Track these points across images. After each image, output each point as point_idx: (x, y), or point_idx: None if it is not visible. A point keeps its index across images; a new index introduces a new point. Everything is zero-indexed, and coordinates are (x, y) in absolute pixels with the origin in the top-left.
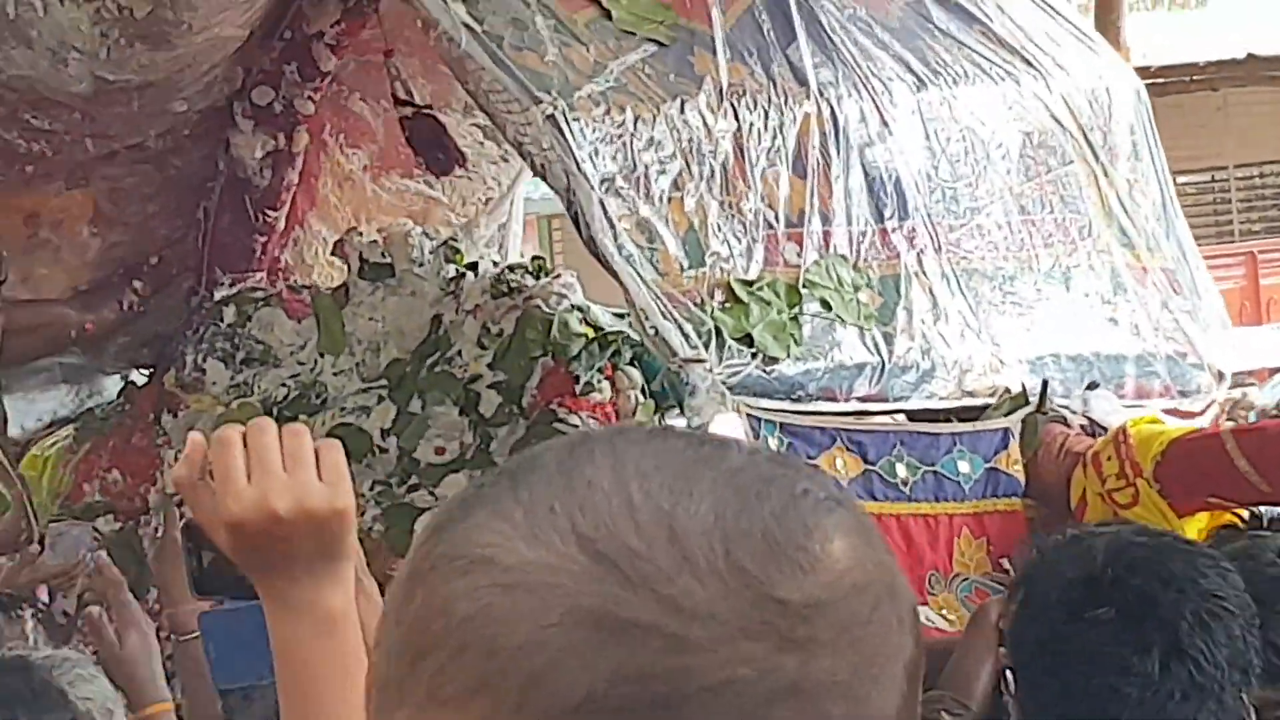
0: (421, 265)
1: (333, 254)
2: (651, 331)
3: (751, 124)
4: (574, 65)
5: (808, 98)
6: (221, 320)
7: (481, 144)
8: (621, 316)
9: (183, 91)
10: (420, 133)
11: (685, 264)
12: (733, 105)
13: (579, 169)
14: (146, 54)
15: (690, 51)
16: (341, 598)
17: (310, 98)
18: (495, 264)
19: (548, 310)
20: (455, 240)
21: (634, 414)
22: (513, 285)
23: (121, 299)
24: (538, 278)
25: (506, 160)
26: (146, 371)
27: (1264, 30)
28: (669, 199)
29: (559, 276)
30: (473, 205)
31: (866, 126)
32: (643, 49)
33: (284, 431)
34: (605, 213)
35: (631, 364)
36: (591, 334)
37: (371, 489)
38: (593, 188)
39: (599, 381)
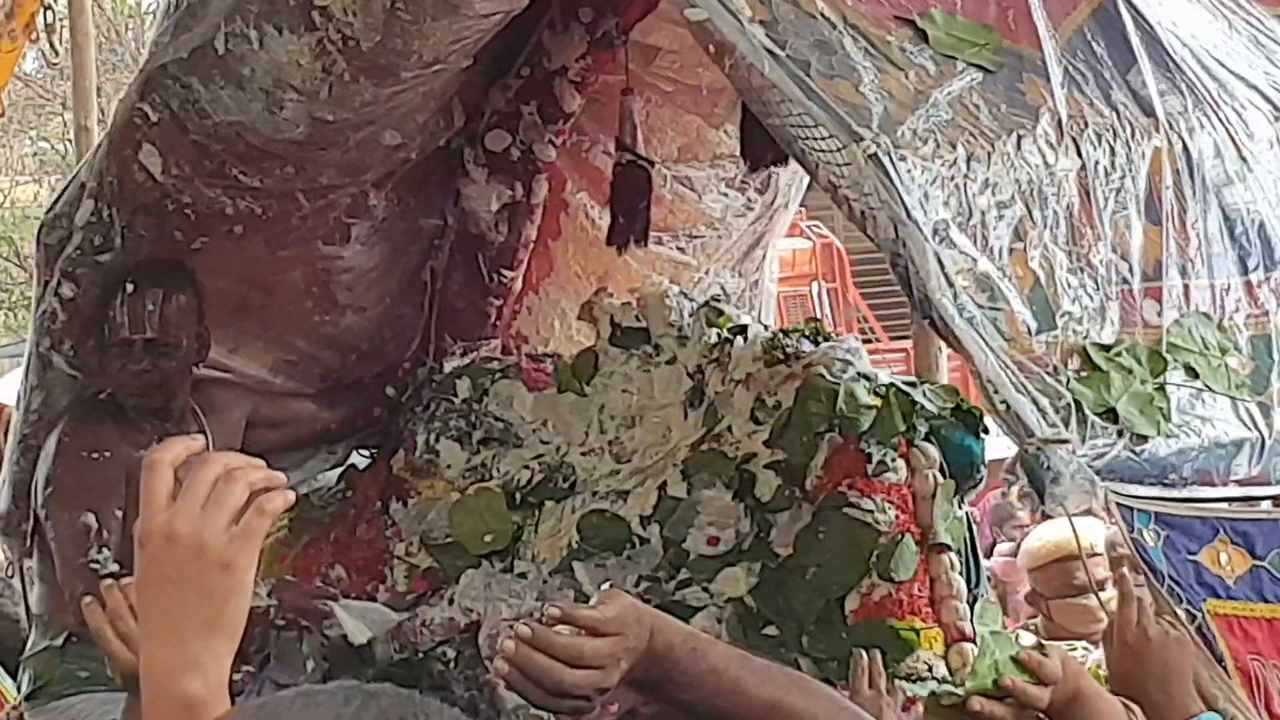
0: (681, 330)
1: (580, 318)
2: (1003, 407)
3: (1097, 161)
4: (892, 95)
5: (1156, 130)
6: (455, 395)
7: (727, 197)
8: (912, 385)
9: (400, 125)
10: (624, 189)
11: (1033, 326)
12: (1074, 140)
13: (909, 217)
14: (370, 89)
15: (1019, 79)
16: (202, 686)
17: (551, 142)
18: (766, 328)
19: (831, 379)
20: (718, 301)
21: (933, 495)
22: (789, 351)
23: (372, 407)
24: (815, 342)
25: (750, 209)
26: (368, 453)
27: None
28: (1010, 250)
29: (841, 340)
30: (719, 263)
31: (1223, 162)
32: (967, 76)
33: (223, 475)
34: (942, 268)
35: (927, 439)
36: (881, 406)
37: (636, 585)
38: (926, 239)
39: (893, 460)
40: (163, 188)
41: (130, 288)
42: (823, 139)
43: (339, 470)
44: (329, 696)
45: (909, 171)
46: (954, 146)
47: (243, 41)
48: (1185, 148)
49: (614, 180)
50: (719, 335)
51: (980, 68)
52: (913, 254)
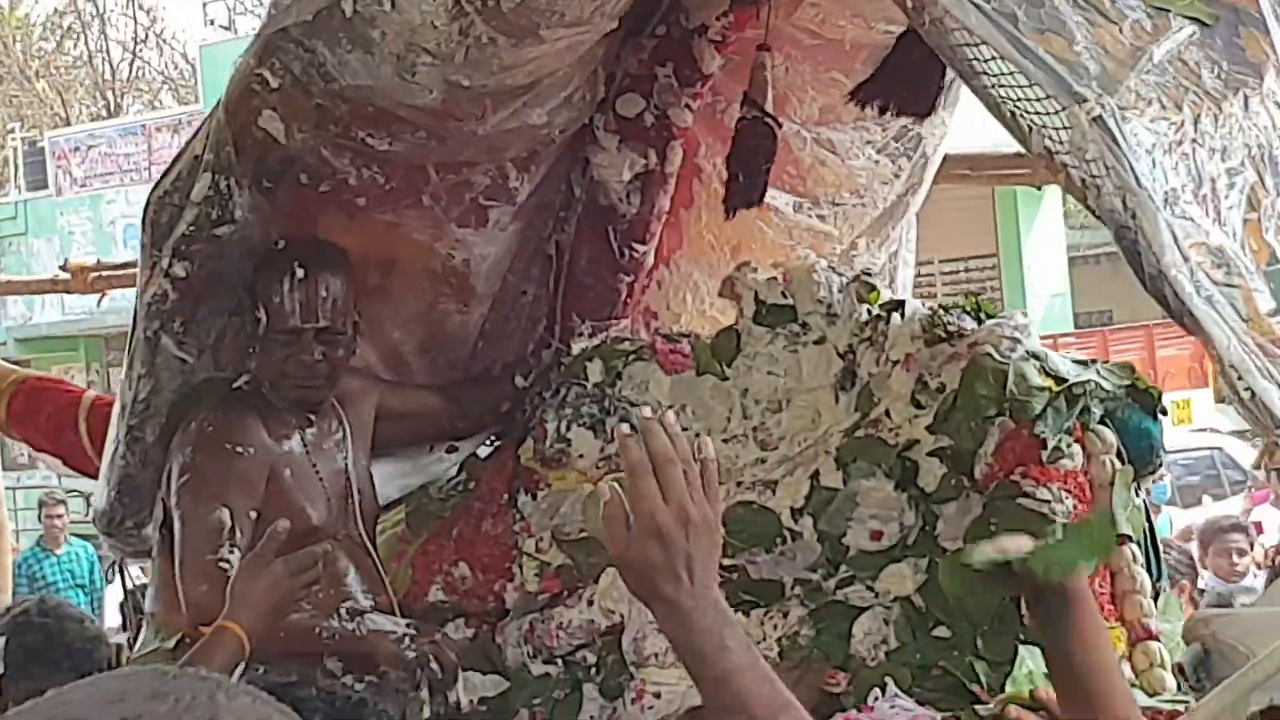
0: (830, 306)
1: (720, 294)
2: (1247, 394)
3: None
4: (1108, 52)
5: None
6: (586, 379)
7: (876, 163)
8: (1084, 364)
9: (544, 102)
10: (746, 146)
11: (1271, 306)
12: None
13: (1139, 184)
14: (510, 51)
15: (1236, 33)
16: None
17: (688, 106)
18: (924, 303)
19: (1000, 359)
20: (869, 274)
21: (1111, 483)
22: (951, 329)
23: (501, 399)
24: (979, 319)
25: (898, 176)
26: (489, 442)
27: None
28: (1244, 222)
29: (1008, 316)
30: (861, 234)
31: None
32: (1184, 30)
33: None
34: (1176, 241)
35: (1102, 422)
36: (1054, 387)
37: (793, 586)
38: (1158, 209)
39: (1068, 445)
40: (284, 150)
41: (300, 272)
42: (1037, 100)
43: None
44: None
45: (1135, 135)
46: (1179, 108)
47: (372, 3)
48: None
49: (735, 137)
50: (870, 312)
51: (1196, 20)
52: (1144, 225)
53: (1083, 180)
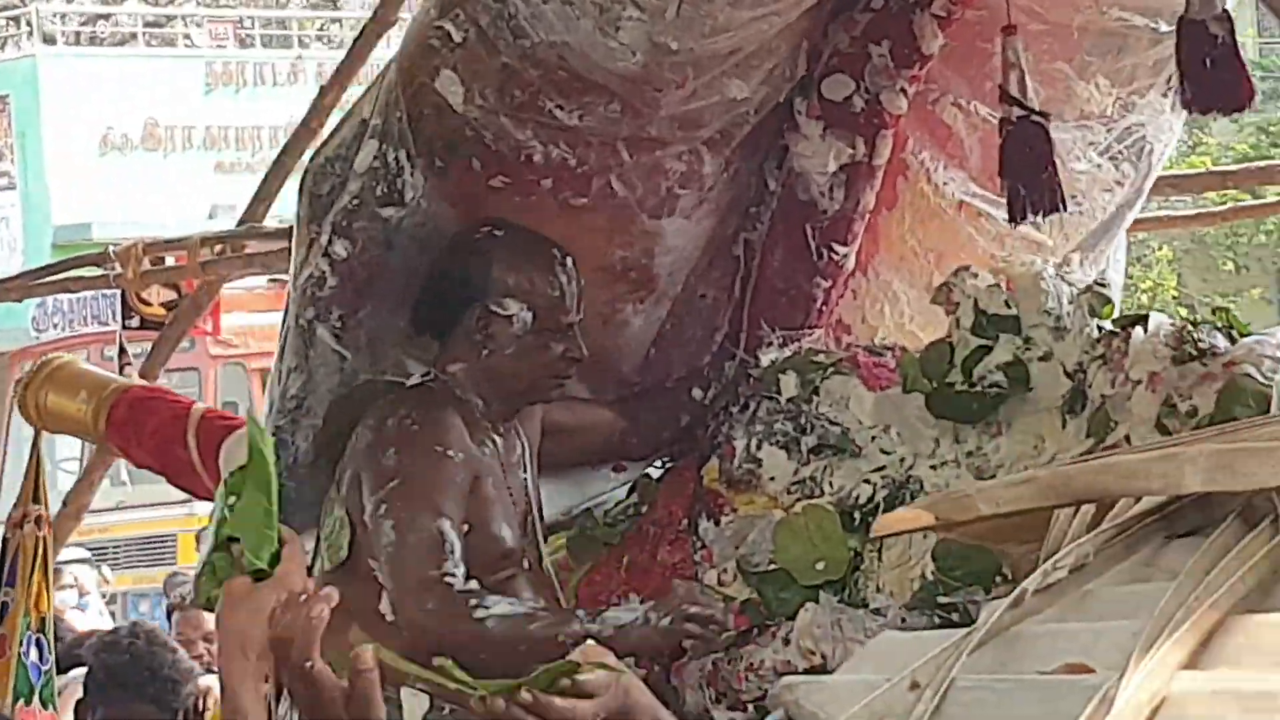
0: (1059, 319)
1: (933, 301)
2: None
3: None
4: None
5: None
6: (779, 393)
7: (1099, 167)
8: None
9: (746, 74)
10: (1017, 149)
11: None
12: None
13: None
14: (725, 10)
15: None
16: None
17: (903, 91)
18: (1171, 319)
19: (1263, 380)
20: (1103, 285)
21: None
22: (1203, 346)
23: (679, 414)
24: (1231, 337)
25: (1120, 184)
26: (662, 463)
27: None
28: None
29: (1270, 333)
30: (1076, 248)
31: None
32: None
33: None
34: None
35: None
36: None
37: None
38: None
39: None
40: (462, 120)
41: (570, 262)
42: None
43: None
44: None
45: None
46: None
47: None
48: None
49: (1005, 141)
50: (1101, 328)
51: None
52: None
53: None
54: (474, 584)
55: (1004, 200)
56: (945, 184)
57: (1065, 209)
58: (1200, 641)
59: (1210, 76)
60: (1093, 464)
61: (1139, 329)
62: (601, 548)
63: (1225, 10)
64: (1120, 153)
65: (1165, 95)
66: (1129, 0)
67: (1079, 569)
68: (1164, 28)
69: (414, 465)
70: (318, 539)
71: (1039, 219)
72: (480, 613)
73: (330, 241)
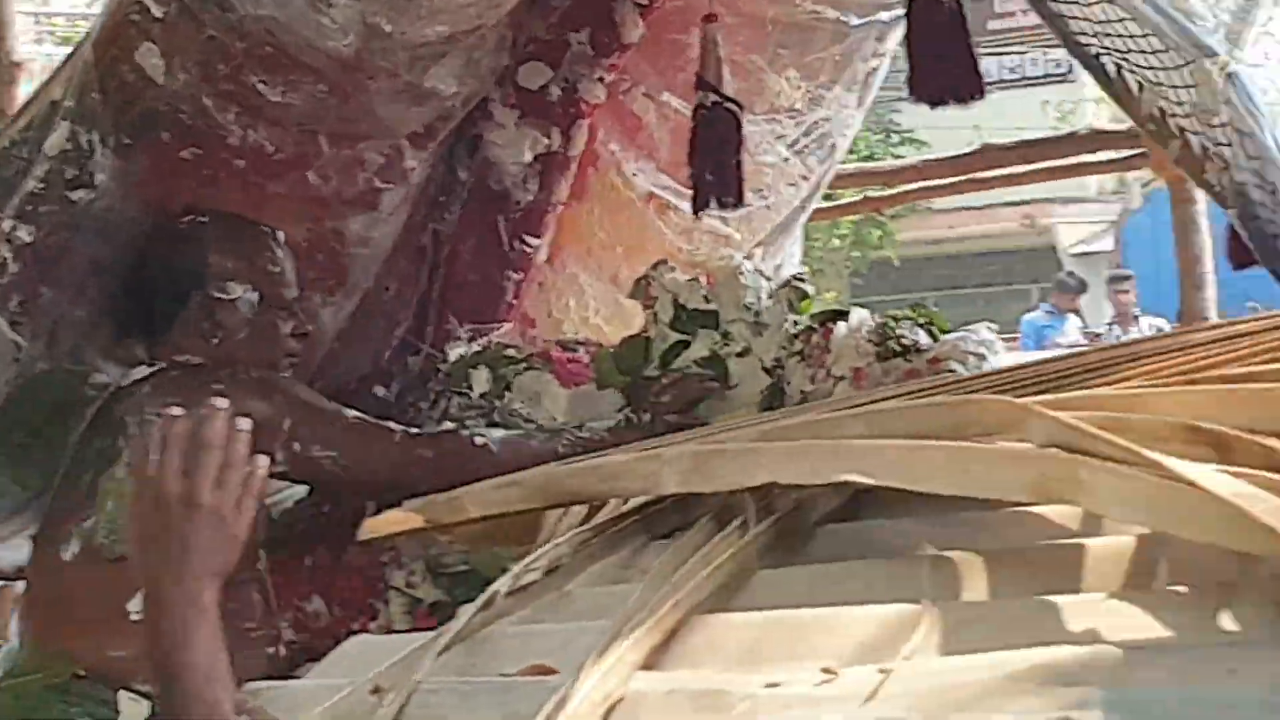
0: (759, 314)
1: (632, 295)
2: None
3: None
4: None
5: None
6: (470, 389)
7: (786, 160)
8: None
9: (456, 67)
10: (708, 136)
11: None
12: None
13: (1277, 147)
14: None
15: None
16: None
17: (601, 79)
18: (872, 314)
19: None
20: (801, 279)
21: None
22: (906, 343)
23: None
24: (930, 333)
25: (806, 179)
26: None
27: None
28: None
29: (973, 330)
30: (760, 241)
31: None
32: None
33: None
34: None
35: None
36: None
37: None
38: None
39: None
40: (160, 93)
41: (279, 235)
42: (1152, 53)
43: None
44: None
45: (1263, 96)
46: None
47: None
48: None
49: (696, 128)
50: (800, 323)
51: None
52: None
53: (1204, 149)
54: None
55: (689, 193)
56: (635, 175)
57: (744, 202)
58: (662, 641)
59: (940, 64)
60: (582, 465)
61: (841, 324)
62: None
63: None
64: (806, 147)
65: (850, 90)
66: None
67: (556, 570)
68: (854, 21)
69: None
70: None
71: (722, 209)
72: (480, 439)
73: (14, 227)
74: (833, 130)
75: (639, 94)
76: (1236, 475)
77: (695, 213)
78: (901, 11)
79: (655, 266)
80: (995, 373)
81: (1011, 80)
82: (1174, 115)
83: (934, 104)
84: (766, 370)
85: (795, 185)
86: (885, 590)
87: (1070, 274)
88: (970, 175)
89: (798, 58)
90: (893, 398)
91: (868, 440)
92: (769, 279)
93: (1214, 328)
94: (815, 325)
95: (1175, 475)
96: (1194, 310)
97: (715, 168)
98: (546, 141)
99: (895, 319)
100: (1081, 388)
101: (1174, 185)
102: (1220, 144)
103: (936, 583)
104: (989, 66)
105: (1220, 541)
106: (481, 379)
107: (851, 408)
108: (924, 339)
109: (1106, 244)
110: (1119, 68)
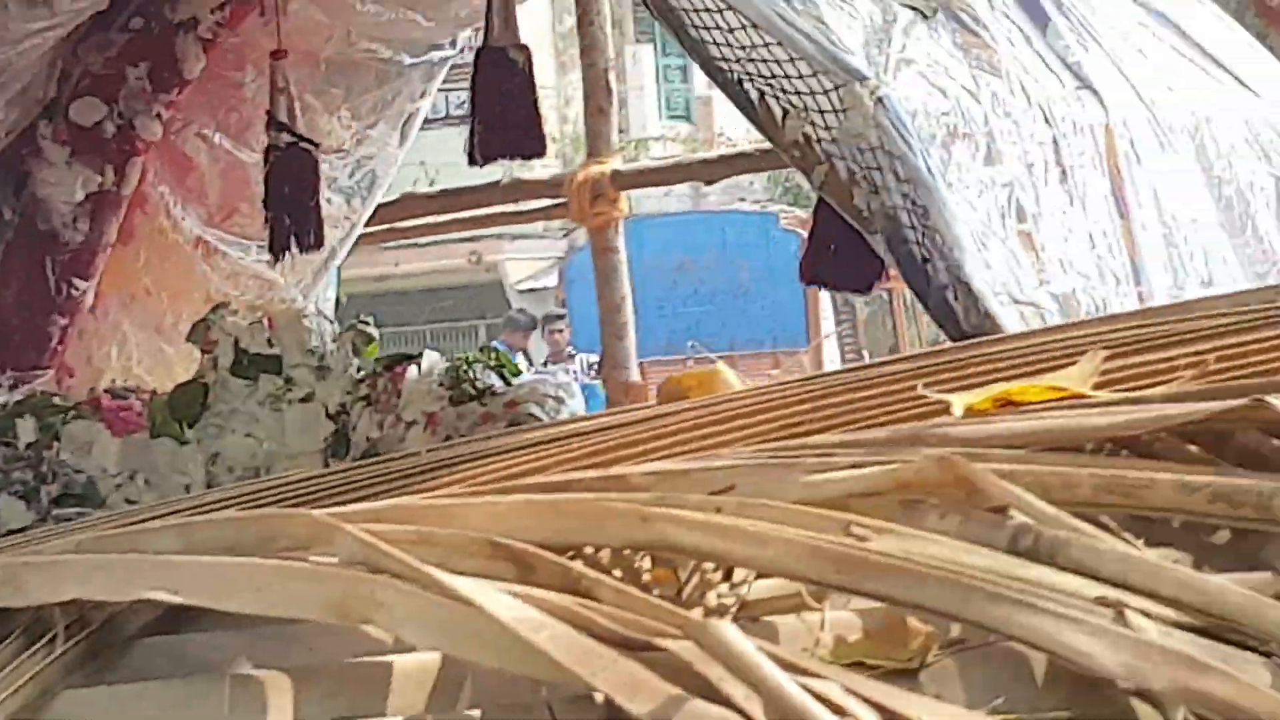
0: (322, 358)
1: (189, 339)
2: None
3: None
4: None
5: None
6: (16, 439)
7: (329, 201)
8: None
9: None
10: (283, 179)
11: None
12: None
13: (930, 174)
14: (18, 20)
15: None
16: None
17: (160, 116)
18: (443, 356)
19: (549, 420)
20: (366, 323)
21: None
22: (480, 386)
23: None
24: (503, 376)
25: (350, 219)
26: None
27: None
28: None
29: (549, 372)
30: (299, 283)
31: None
32: (906, 16)
33: None
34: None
35: None
36: None
37: None
38: (944, 199)
39: None
40: None
41: None
42: (799, 78)
43: None
44: None
45: (913, 120)
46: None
47: None
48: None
49: (271, 171)
50: (364, 368)
51: (916, 10)
52: (937, 224)
53: (851, 173)
54: None
55: (239, 238)
56: (184, 219)
57: (322, 243)
58: None
59: (505, 121)
60: None
61: (413, 368)
62: None
63: (523, 43)
64: (353, 188)
65: (394, 129)
66: (378, 31)
67: None
68: (407, 60)
69: None
70: None
71: (302, 252)
72: None
73: None
74: (376, 169)
75: (191, 134)
76: (529, 597)
77: (275, 257)
78: (451, 53)
79: (215, 310)
80: (322, 475)
81: (459, 116)
82: (820, 140)
83: (489, 159)
84: (331, 416)
85: (339, 226)
86: (184, 711)
87: (521, 311)
88: (389, 225)
89: (349, 97)
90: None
91: (174, 555)
92: (332, 322)
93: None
94: (381, 370)
95: (462, 598)
96: (614, 359)
97: (293, 210)
98: (99, 180)
99: (467, 361)
100: (409, 492)
101: (595, 235)
102: (870, 168)
103: (238, 702)
104: (438, 102)
105: (506, 666)
106: (28, 429)
107: (165, 515)
108: (497, 382)
109: (553, 280)
110: (762, 94)
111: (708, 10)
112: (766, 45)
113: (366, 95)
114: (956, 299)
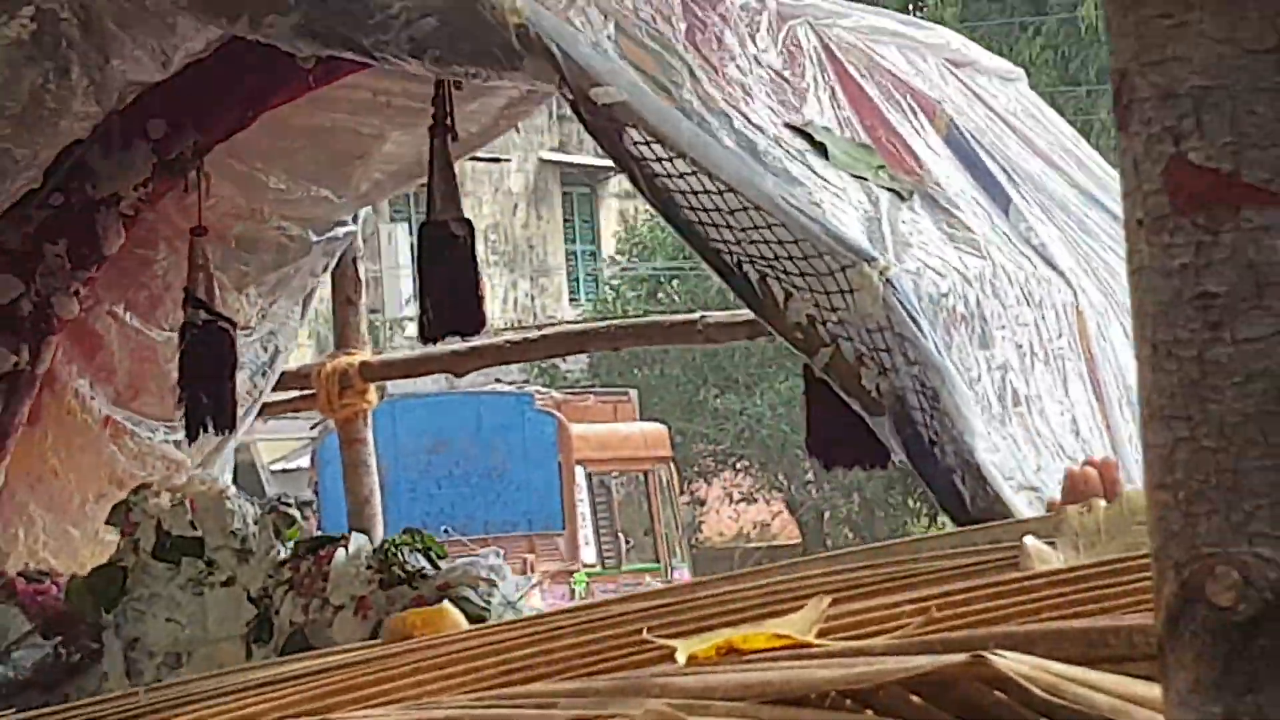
0: (245, 540)
1: (109, 522)
2: None
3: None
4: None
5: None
6: None
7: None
8: None
9: None
10: (200, 357)
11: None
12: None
13: (940, 356)
14: None
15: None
16: None
17: (77, 293)
18: (371, 540)
19: (482, 603)
20: (289, 502)
21: None
22: (410, 568)
23: None
24: (430, 558)
25: (251, 396)
26: None
27: None
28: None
29: (480, 555)
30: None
31: None
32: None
33: None
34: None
35: None
36: None
37: None
38: (955, 382)
39: None
40: None
41: None
42: (802, 259)
43: None
44: None
45: (919, 301)
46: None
47: None
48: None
49: (187, 349)
50: (289, 549)
51: (894, 193)
52: (948, 407)
53: (859, 354)
54: None
55: (147, 418)
56: (92, 399)
57: (236, 425)
58: None
59: (450, 298)
60: None
61: (340, 551)
62: None
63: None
64: (257, 365)
65: (297, 304)
66: (289, 210)
67: None
68: (314, 237)
69: None
70: None
71: (217, 432)
72: None
73: None
74: (280, 343)
75: (102, 311)
76: None
77: (190, 438)
78: (353, 228)
79: (136, 491)
80: None
81: None
82: (825, 322)
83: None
84: (253, 601)
85: (242, 404)
86: None
87: (282, 496)
88: None
89: (256, 273)
90: None
91: None
92: (254, 504)
93: None
94: (304, 552)
95: None
96: None
97: (208, 388)
98: (15, 359)
99: (395, 544)
100: None
101: (343, 426)
102: (879, 349)
103: None
104: None
105: None
106: None
107: None
108: (423, 563)
109: (305, 461)
110: (763, 276)
111: (705, 192)
112: (769, 227)
113: (271, 272)
114: (964, 483)
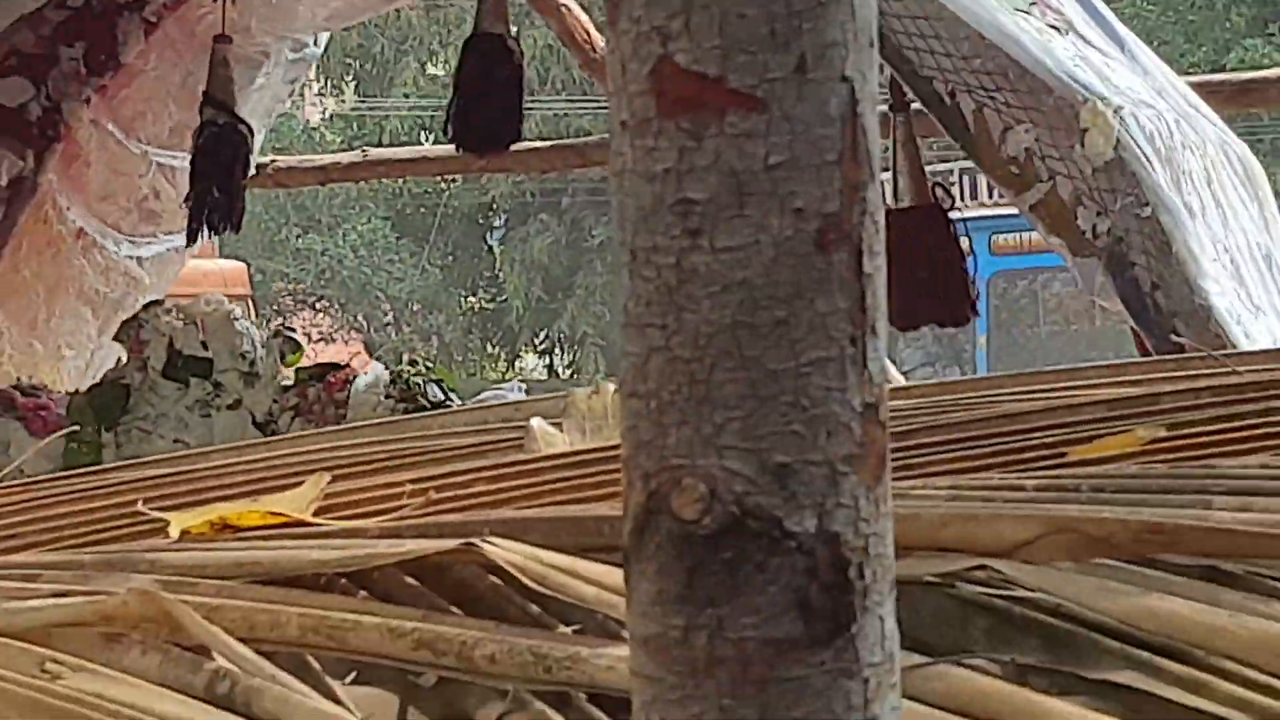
0: (253, 364)
1: (117, 338)
2: None
3: None
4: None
5: None
6: None
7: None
8: None
9: None
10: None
11: None
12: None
13: (1170, 191)
14: None
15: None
16: None
17: (89, 100)
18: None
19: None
20: (291, 330)
21: None
22: (432, 398)
23: None
24: (442, 388)
25: None
26: None
27: None
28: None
29: (506, 384)
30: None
31: None
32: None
33: None
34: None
35: None
36: None
37: None
38: (1182, 222)
39: None
40: None
41: None
42: (1028, 93)
43: None
44: None
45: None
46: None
47: None
48: None
49: (201, 146)
50: (296, 375)
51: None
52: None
53: (1078, 193)
54: None
55: (114, 231)
56: (68, 209)
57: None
58: None
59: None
60: None
61: (362, 377)
62: None
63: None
64: None
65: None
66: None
67: None
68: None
69: None
70: None
71: (222, 232)
72: None
73: None
74: None
75: (86, 119)
76: None
77: (190, 240)
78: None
79: (147, 308)
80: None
81: None
82: (1046, 157)
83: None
84: (258, 425)
85: None
86: None
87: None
88: None
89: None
90: None
91: None
92: (260, 327)
93: None
94: (311, 378)
95: None
96: None
97: (222, 185)
98: (21, 165)
99: (405, 371)
100: None
101: None
102: (1103, 189)
103: None
104: None
105: None
106: None
107: None
108: (439, 394)
109: None
110: (980, 106)
111: (924, 18)
112: (994, 58)
113: (247, 88)
114: (1189, 328)
